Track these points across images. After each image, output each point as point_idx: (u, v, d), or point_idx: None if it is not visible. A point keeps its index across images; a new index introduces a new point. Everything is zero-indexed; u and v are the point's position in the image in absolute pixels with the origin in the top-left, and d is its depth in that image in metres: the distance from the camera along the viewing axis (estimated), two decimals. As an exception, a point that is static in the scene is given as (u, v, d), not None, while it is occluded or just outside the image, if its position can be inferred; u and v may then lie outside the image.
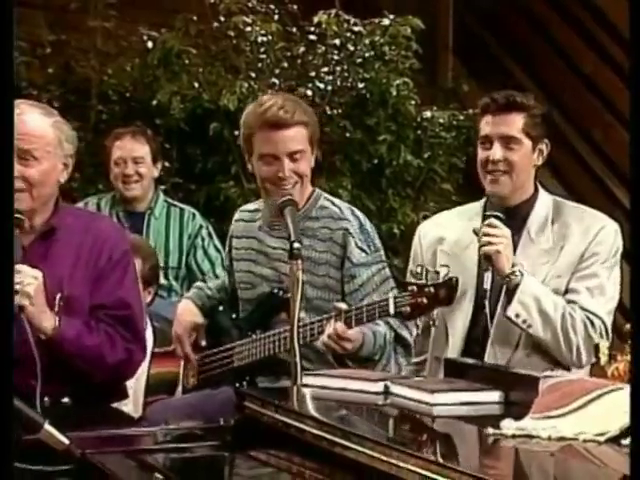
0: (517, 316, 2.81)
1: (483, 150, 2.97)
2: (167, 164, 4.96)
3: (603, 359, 2.61)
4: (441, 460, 1.68)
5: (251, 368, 3.01)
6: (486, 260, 2.84)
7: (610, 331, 2.88)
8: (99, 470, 1.94)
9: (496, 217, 2.88)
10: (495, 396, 2.09)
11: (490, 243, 2.82)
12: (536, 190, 3.02)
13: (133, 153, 4.39)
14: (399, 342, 2.99)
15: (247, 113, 3.08)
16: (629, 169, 1.42)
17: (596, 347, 2.72)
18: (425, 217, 5.31)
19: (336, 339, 2.74)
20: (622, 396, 1.75)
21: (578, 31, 7.01)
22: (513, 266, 2.83)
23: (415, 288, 2.68)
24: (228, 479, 2.14)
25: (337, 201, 3.12)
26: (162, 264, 4.42)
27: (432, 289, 2.65)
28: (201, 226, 4.52)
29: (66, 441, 1.94)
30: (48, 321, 2.61)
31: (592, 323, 2.83)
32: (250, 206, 3.27)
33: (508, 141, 2.92)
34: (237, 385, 2.94)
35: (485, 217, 2.91)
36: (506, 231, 2.85)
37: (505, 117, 2.93)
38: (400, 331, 2.96)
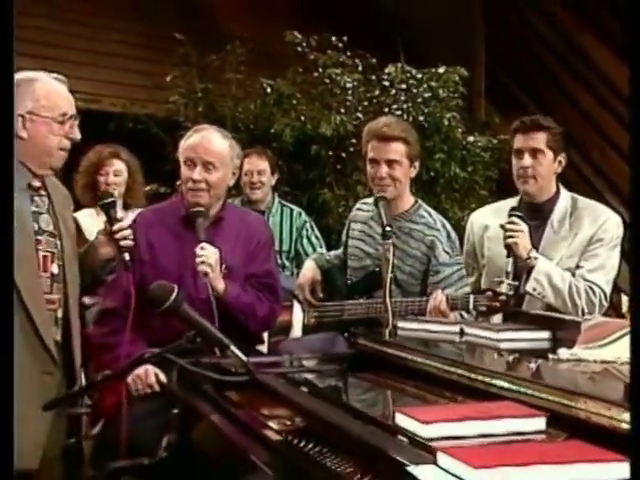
0: (534, 290, 2.76)
1: (517, 160, 2.91)
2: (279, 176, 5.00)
3: (624, 309, 2.56)
4: (505, 371, 1.68)
5: (355, 322, 2.93)
6: (508, 249, 2.76)
7: (608, 294, 2.81)
8: (262, 384, 1.95)
9: (517, 216, 2.80)
10: (545, 334, 2.07)
11: (511, 237, 2.75)
12: (558, 191, 2.94)
13: (258, 167, 4.38)
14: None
15: (367, 127, 3.04)
16: (629, 170, 1.36)
17: (619, 300, 2.66)
18: (469, 214, 5.31)
19: (437, 312, 2.68)
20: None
21: (578, 79, 6.93)
22: (530, 253, 2.76)
23: (491, 294, 2.62)
24: (345, 393, 2.11)
25: (434, 214, 3.04)
26: (277, 248, 4.46)
27: (505, 297, 2.59)
28: (305, 221, 4.50)
29: (245, 358, 1.95)
30: (221, 284, 2.65)
31: (593, 290, 2.77)
32: (368, 200, 3.19)
33: (535, 153, 2.86)
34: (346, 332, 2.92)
35: (510, 215, 2.82)
36: (524, 226, 2.77)
37: (532, 135, 2.86)
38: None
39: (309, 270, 3.21)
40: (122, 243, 2.44)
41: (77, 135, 2.38)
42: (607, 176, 6.73)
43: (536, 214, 2.89)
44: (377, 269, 2.91)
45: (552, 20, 6.97)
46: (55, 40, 6.06)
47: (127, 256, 2.46)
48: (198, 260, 2.60)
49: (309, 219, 4.56)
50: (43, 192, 2.35)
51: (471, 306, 2.64)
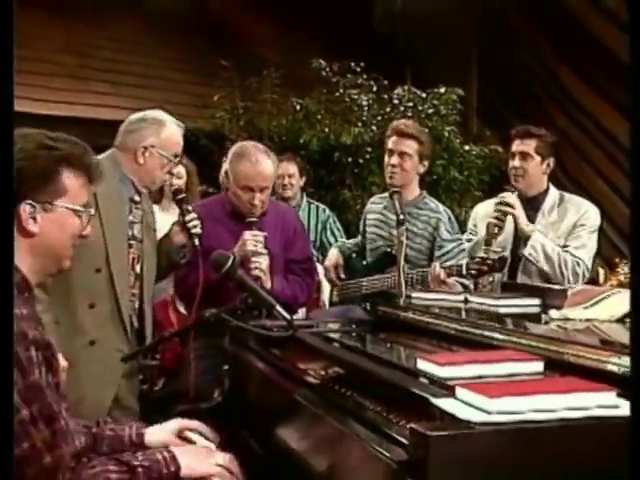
0: (530, 255, 2.77)
1: (510, 161, 2.93)
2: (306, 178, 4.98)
3: (601, 279, 2.55)
4: (506, 326, 1.69)
5: (372, 295, 2.93)
6: (498, 221, 2.73)
7: (590, 268, 2.84)
8: (301, 340, 1.95)
9: (508, 190, 2.82)
10: (537, 301, 2.06)
11: (508, 205, 2.75)
12: (548, 188, 2.95)
13: (288, 171, 4.34)
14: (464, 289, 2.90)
15: (390, 126, 3.07)
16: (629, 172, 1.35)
17: (597, 273, 2.65)
18: (466, 212, 5.29)
19: (438, 281, 2.68)
20: (621, 295, 1.73)
21: (554, 101, 6.91)
22: (528, 225, 2.77)
23: (480, 259, 2.62)
24: (371, 347, 2.07)
25: (436, 202, 3.07)
26: (305, 239, 4.45)
27: (491, 261, 2.59)
28: (329, 216, 4.47)
29: (289, 317, 1.95)
30: (268, 283, 2.63)
31: (578, 264, 2.78)
32: (380, 195, 3.25)
33: (524, 156, 2.86)
34: (364, 304, 2.88)
35: (503, 190, 2.85)
36: (515, 200, 2.77)
37: (523, 141, 2.87)
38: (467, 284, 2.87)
39: (334, 255, 3.25)
40: (193, 231, 2.49)
41: (175, 172, 2.53)
42: (581, 184, 6.70)
43: (530, 205, 2.90)
44: (389, 249, 2.94)
45: (535, 53, 6.96)
46: (124, 68, 6.14)
47: (197, 241, 2.50)
48: (252, 266, 2.58)
49: (332, 214, 4.53)
50: (140, 206, 2.44)
51: (464, 271, 2.62)
